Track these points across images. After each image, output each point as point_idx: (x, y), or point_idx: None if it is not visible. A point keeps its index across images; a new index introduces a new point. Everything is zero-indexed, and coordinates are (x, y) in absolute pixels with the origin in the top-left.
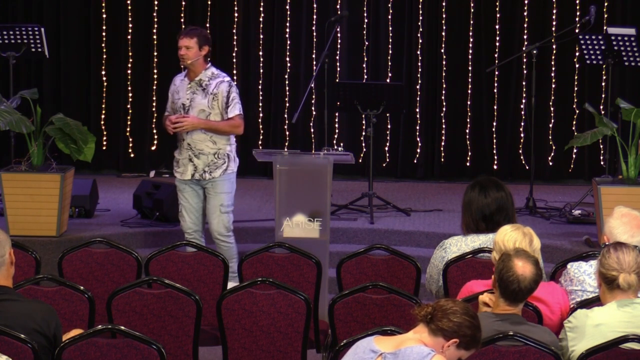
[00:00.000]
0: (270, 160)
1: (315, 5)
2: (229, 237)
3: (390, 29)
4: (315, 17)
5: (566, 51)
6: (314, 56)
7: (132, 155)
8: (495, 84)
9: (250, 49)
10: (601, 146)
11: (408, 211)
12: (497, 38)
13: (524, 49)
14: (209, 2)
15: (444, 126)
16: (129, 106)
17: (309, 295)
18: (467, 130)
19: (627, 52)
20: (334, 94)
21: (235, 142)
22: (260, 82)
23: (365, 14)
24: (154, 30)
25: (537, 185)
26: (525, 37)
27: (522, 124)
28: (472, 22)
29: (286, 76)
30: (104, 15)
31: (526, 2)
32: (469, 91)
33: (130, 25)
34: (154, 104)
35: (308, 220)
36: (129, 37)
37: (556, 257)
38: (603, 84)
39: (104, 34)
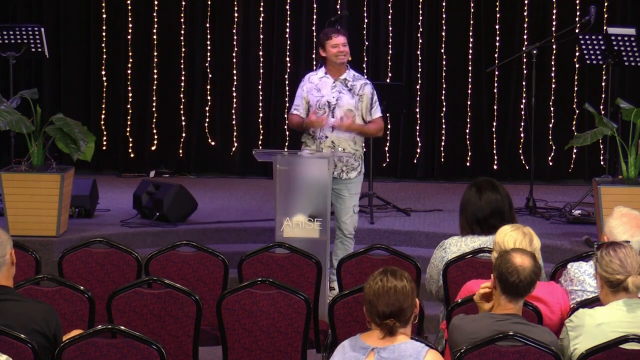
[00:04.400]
0: (270, 160)
1: (315, 5)
2: (353, 236)
3: (390, 29)
4: (315, 17)
5: (566, 51)
6: (314, 56)
7: (132, 155)
8: (495, 84)
9: (250, 49)
10: (601, 146)
11: (408, 211)
12: (497, 38)
13: (524, 49)
14: (209, 2)
15: (444, 126)
16: (129, 106)
17: (309, 295)
18: (467, 130)
19: (627, 52)
20: None
21: None
22: (260, 82)
23: (365, 14)
24: (154, 30)
25: (537, 185)
26: (525, 37)
27: (522, 124)
28: (472, 22)
29: (286, 76)
30: (104, 15)
31: (526, 2)
32: (469, 91)
33: (130, 25)
34: (154, 104)
35: (308, 220)
36: (129, 37)
37: (556, 257)
38: (603, 84)
39: (104, 34)
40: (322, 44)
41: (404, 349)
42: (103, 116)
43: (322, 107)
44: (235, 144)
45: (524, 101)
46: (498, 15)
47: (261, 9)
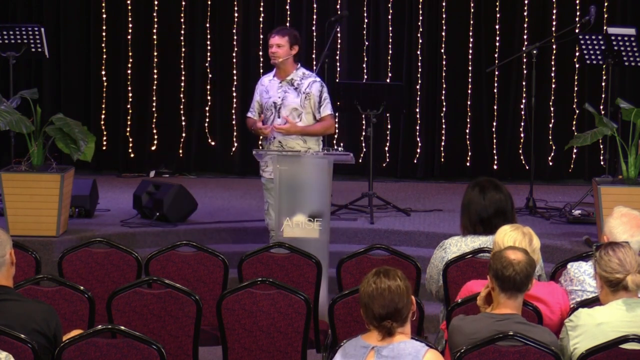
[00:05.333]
0: (270, 160)
1: (315, 5)
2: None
3: (390, 29)
4: (315, 17)
5: (566, 51)
6: (314, 56)
7: (132, 155)
8: (495, 84)
9: (250, 49)
10: (601, 146)
11: (408, 211)
12: (497, 38)
13: (524, 49)
14: (209, 2)
15: (444, 126)
16: (129, 106)
17: (309, 295)
18: (467, 130)
19: (627, 52)
20: (334, 94)
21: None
22: None
23: (365, 14)
24: (154, 30)
25: (537, 185)
26: (525, 37)
27: (522, 124)
28: (472, 22)
29: None
30: (104, 15)
31: (526, 2)
32: (469, 91)
33: (130, 25)
34: (154, 104)
35: (308, 220)
36: (129, 37)
37: (556, 257)
38: (603, 84)
39: (104, 34)
40: None
41: (403, 347)
42: (103, 116)
43: (269, 108)
44: (235, 144)
45: (524, 101)
46: (498, 15)
47: (261, 9)
